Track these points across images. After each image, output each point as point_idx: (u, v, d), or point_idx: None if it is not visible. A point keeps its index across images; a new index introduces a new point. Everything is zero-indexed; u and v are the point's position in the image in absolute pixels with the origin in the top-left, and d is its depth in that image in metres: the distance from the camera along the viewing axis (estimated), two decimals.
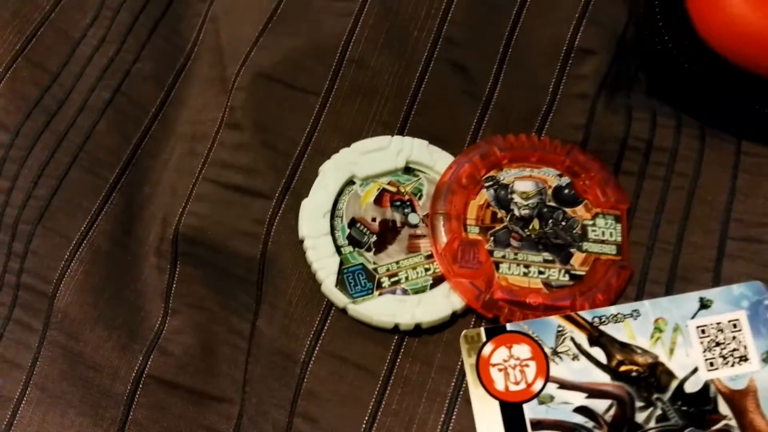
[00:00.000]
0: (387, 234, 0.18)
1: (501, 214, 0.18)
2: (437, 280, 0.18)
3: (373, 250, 0.18)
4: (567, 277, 0.18)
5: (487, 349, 0.17)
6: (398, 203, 0.19)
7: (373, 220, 0.18)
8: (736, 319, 0.16)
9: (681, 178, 0.19)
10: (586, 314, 0.17)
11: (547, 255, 0.18)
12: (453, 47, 0.20)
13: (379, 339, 0.17)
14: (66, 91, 0.21)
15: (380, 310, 0.17)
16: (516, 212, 0.18)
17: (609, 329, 0.16)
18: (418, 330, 0.17)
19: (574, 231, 0.18)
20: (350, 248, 0.18)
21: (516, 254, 0.18)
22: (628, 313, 0.17)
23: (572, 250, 0.18)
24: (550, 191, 0.18)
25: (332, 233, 0.18)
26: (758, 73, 0.17)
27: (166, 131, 0.21)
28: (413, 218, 0.18)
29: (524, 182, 0.18)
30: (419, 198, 0.19)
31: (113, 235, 0.20)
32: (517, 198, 0.18)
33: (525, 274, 0.18)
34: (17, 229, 0.20)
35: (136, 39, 0.22)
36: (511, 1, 0.20)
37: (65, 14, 0.22)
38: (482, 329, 0.17)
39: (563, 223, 0.18)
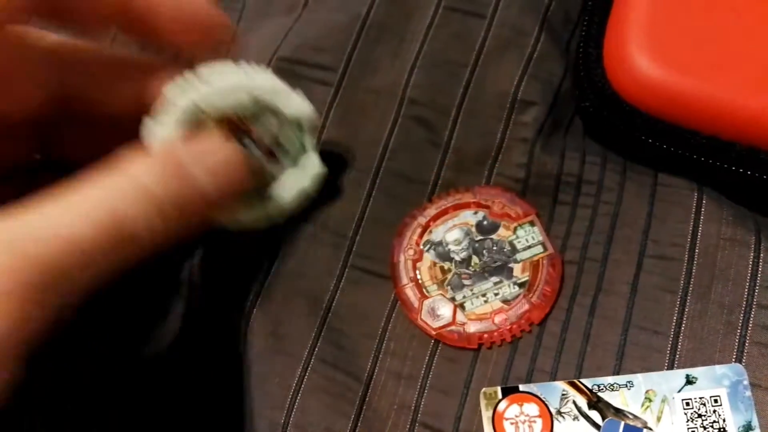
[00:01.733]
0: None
1: (446, 265, 0.22)
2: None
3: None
4: (516, 288, 0.21)
5: (502, 405, 0.20)
6: (240, 134, 0.20)
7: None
8: (718, 395, 0.19)
9: (606, 206, 0.22)
10: (587, 381, 0.20)
11: (494, 278, 0.21)
12: (416, 106, 0.24)
13: None
14: None
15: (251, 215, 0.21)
16: (457, 258, 0.22)
17: (606, 396, 0.20)
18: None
19: (505, 249, 0.22)
20: None
21: (472, 290, 0.21)
22: (623, 383, 0.20)
23: (511, 264, 0.22)
24: (474, 229, 0.22)
25: None
26: (663, 120, 0.21)
27: None
28: (254, 150, 0.21)
29: (452, 232, 0.22)
30: (258, 128, 0.20)
31: None
32: (452, 247, 0.22)
33: (485, 302, 0.21)
34: None
35: None
36: (463, 65, 0.24)
37: None
38: (499, 388, 0.20)
39: (494, 248, 0.22)
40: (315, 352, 0.21)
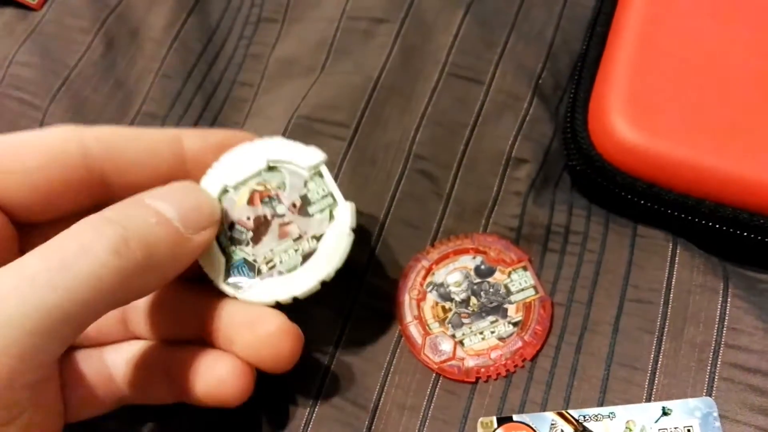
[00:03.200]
0: (260, 228, 0.22)
1: (447, 305, 0.24)
2: (306, 257, 0.21)
3: (251, 244, 0.22)
4: (511, 327, 0.24)
5: None
6: (267, 200, 0.22)
7: (248, 218, 0.22)
8: (690, 426, 0.21)
9: (591, 254, 0.25)
10: (574, 412, 0.22)
11: (491, 318, 0.24)
12: (421, 160, 0.27)
13: None
14: None
15: (260, 292, 0.21)
16: (457, 298, 0.24)
17: (591, 425, 0.22)
18: (297, 302, 0.21)
19: (501, 292, 0.24)
20: (233, 247, 0.22)
21: (470, 328, 0.24)
22: (606, 414, 0.22)
23: (506, 305, 0.24)
24: (472, 272, 0.25)
25: (217, 238, 0.22)
26: (640, 179, 0.24)
27: None
28: (280, 209, 0.22)
29: (452, 275, 0.25)
30: (284, 190, 0.22)
31: None
32: (453, 288, 0.24)
33: (483, 339, 0.24)
34: None
35: None
36: (464, 125, 0.27)
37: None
38: (494, 418, 0.22)
39: (491, 290, 0.24)
40: (326, 383, 0.24)
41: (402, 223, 0.26)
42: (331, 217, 0.22)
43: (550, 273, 0.25)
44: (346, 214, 0.22)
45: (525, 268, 0.24)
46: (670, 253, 0.24)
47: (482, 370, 0.23)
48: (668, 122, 0.24)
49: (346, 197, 0.27)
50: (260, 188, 0.22)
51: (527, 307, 0.24)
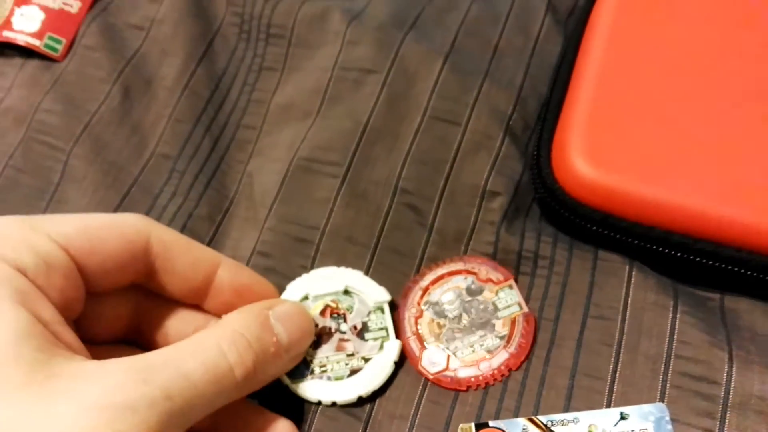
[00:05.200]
0: (324, 337, 0.26)
1: (442, 321, 0.27)
2: (353, 372, 0.26)
3: (312, 347, 0.26)
4: (498, 340, 0.26)
5: None
6: (335, 316, 0.27)
7: (316, 326, 0.26)
8: (646, 429, 0.24)
9: (557, 276, 0.28)
10: (543, 418, 0.24)
11: (480, 332, 0.27)
12: (407, 194, 0.30)
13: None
14: None
15: (309, 390, 0.25)
16: (450, 315, 0.27)
17: (558, 429, 0.24)
18: (334, 405, 0.26)
19: (489, 309, 0.27)
20: None
21: (462, 342, 0.26)
22: (571, 419, 0.24)
23: (494, 321, 0.27)
24: (464, 291, 0.27)
25: None
26: (598, 210, 0.27)
27: None
28: (344, 327, 0.27)
29: (446, 294, 0.28)
30: (350, 312, 0.27)
31: None
32: (446, 306, 0.27)
33: (473, 351, 0.26)
34: None
35: (196, 192, 0.32)
36: (444, 161, 0.31)
37: (147, 177, 0.33)
38: (473, 425, 0.25)
39: (480, 307, 0.27)
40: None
41: (391, 251, 0.29)
42: (381, 347, 0.26)
43: (522, 294, 0.28)
44: (393, 349, 0.26)
45: (511, 287, 0.27)
46: (626, 275, 0.27)
47: (472, 379, 0.26)
48: (621, 160, 0.27)
49: (341, 229, 0.30)
50: (333, 305, 0.27)
51: (512, 322, 0.27)
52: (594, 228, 0.27)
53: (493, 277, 0.28)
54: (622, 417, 0.24)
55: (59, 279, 0.20)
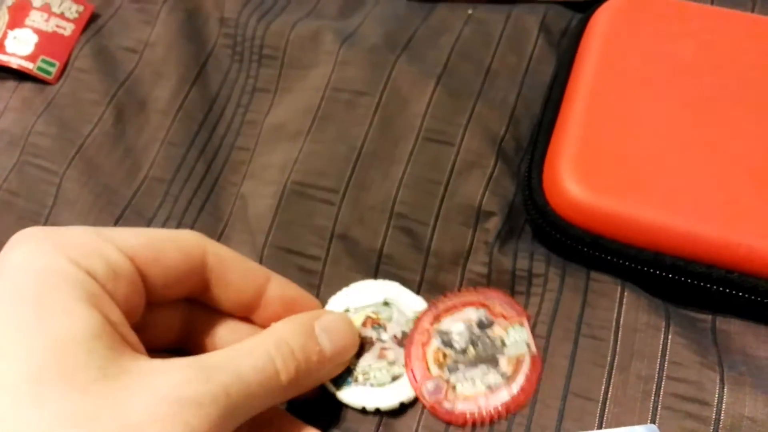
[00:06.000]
0: (366, 346, 0.27)
1: (448, 351, 0.27)
2: (394, 379, 0.27)
3: (356, 356, 0.27)
4: (500, 378, 0.26)
5: None
6: (376, 326, 0.28)
7: (359, 336, 0.27)
8: None
9: (550, 294, 0.28)
10: None
11: (484, 368, 0.26)
12: (402, 218, 0.30)
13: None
14: None
15: (353, 396, 0.26)
16: (457, 347, 0.27)
17: None
18: (378, 412, 0.26)
19: (497, 344, 0.27)
20: None
21: (464, 374, 0.26)
22: None
23: (499, 357, 0.27)
24: (474, 324, 0.27)
25: None
26: (589, 231, 0.27)
27: None
28: (384, 336, 0.28)
29: (457, 325, 0.28)
30: (390, 322, 0.28)
31: None
32: (455, 337, 0.27)
33: (473, 385, 0.26)
34: None
35: (190, 216, 0.32)
36: (438, 182, 0.31)
37: (141, 200, 0.33)
38: None
39: (488, 342, 0.27)
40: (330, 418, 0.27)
41: (390, 276, 0.29)
42: None
43: None
44: None
45: (521, 324, 0.27)
46: (618, 296, 0.27)
47: (468, 415, 0.26)
48: (611, 182, 0.27)
49: (341, 258, 0.30)
50: (373, 316, 0.28)
51: (518, 362, 0.26)
52: (585, 249, 0.27)
53: (506, 312, 0.28)
54: None
55: (125, 286, 0.21)
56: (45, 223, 0.33)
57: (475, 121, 0.32)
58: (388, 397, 0.26)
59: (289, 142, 0.33)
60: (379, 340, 0.27)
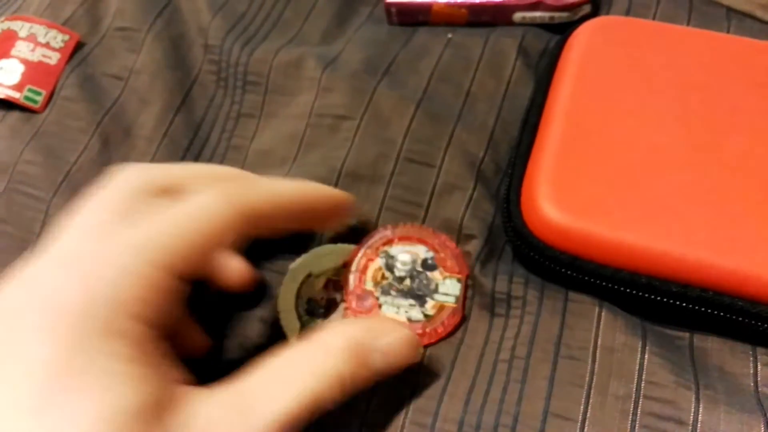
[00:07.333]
0: (331, 307, 0.29)
1: (387, 274, 0.29)
2: None
3: (321, 318, 0.29)
4: (421, 316, 0.28)
5: None
6: (339, 288, 0.29)
7: (322, 299, 0.29)
8: None
9: (530, 316, 0.28)
10: None
11: (411, 301, 0.28)
12: None
13: None
14: None
15: None
16: (396, 274, 0.29)
17: None
18: None
19: (431, 287, 0.29)
20: (307, 317, 0.29)
21: (393, 300, 0.28)
22: None
23: (428, 299, 0.28)
24: (419, 261, 0.29)
25: (296, 308, 0.29)
26: (566, 252, 0.28)
27: None
28: None
29: (404, 255, 0.30)
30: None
31: None
32: (398, 265, 0.29)
33: (396, 313, 0.28)
34: None
35: None
36: (419, 204, 0.31)
37: None
38: None
39: (424, 282, 0.29)
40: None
41: None
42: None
43: (497, 334, 0.28)
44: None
45: (459, 281, 0.29)
46: (596, 316, 0.27)
47: None
48: (587, 205, 0.28)
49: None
50: (335, 279, 0.29)
51: (441, 308, 0.28)
52: (563, 270, 0.28)
53: (450, 263, 0.29)
54: None
55: (168, 306, 0.21)
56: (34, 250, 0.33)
57: (454, 144, 0.33)
58: None
59: (275, 168, 0.34)
60: (343, 301, 0.29)
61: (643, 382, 0.26)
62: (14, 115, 0.37)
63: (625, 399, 0.26)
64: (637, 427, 0.25)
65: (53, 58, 0.38)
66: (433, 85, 0.35)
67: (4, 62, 0.38)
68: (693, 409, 0.25)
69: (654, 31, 0.34)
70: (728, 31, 0.37)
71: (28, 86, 0.37)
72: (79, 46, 0.39)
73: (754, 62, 0.32)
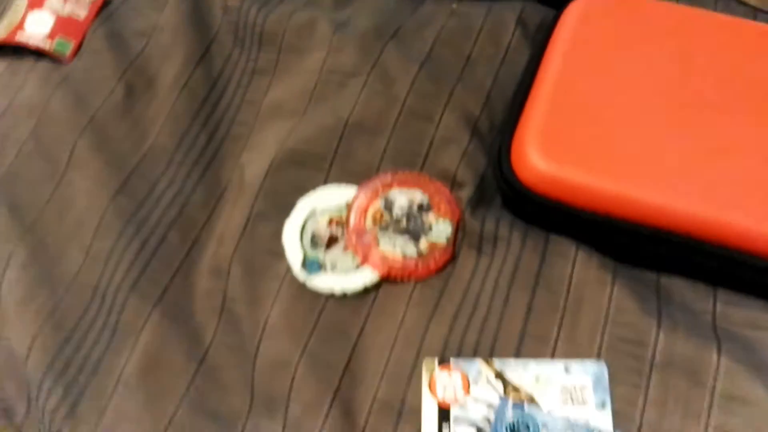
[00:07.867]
0: (332, 241, 0.32)
1: (386, 215, 0.32)
2: (358, 266, 0.31)
3: (323, 250, 0.32)
4: (415, 252, 0.31)
5: (437, 372, 0.28)
6: (340, 225, 0.32)
7: (325, 234, 0.32)
8: (585, 382, 0.27)
9: (513, 254, 0.31)
10: (497, 362, 0.28)
11: (407, 238, 0.31)
12: None
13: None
14: (148, 212, 0.35)
15: (323, 283, 0.30)
16: (394, 215, 0.32)
17: (508, 375, 0.28)
18: (344, 296, 0.30)
19: (425, 227, 0.32)
20: (310, 249, 0.32)
21: (390, 237, 0.31)
22: (521, 367, 0.28)
23: (422, 238, 0.31)
24: (416, 204, 0.32)
25: (301, 240, 0.32)
26: (549, 198, 0.30)
27: (210, 236, 0.34)
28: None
29: (401, 198, 0.33)
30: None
31: None
32: (396, 207, 0.32)
33: (393, 248, 0.31)
34: None
35: (192, 180, 0.35)
36: (418, 154, 0.34)
37: (146, 166, 0.36)
38: (436, 359, 0.28)
39: (419, 222, 0.32)
40: None
41: None
42: None
43: (482, 269, 0.31)
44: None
45: (451, 221, 0.32)
46: (573, 255, 0.30)
47: (380, 261, 0.31)
48: (570, 154, 0.30)
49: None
50: (337, 217, 0.33)
51: (433, 246, 0.31)
52: (546, 214, 0.31)
53: (443, 207, 0.32)
54: (566, 370, 0.28)
55: None
56: (60, 184, 0.36)
57: (453, 102, 0.35)
58: (353, 282, 0.31)
59: (286, 120, 0.37)
60: (344, 236, 0.32)
61: (611, 311, 0.29)
62: (44, 64, 0.40)
63: (595, 324, 0.28)
64: (604, 347, 0.28)
65: (82, 14, 0.41)
66: (437, 50, 0.38)
67: (38, 13, 0.40)
68: (654, 333, 0.28)
69: (643, 6, 0.36)
70: (715, 8, 0.40)
71: (58, 38, 0.40)
72: (106, 4, 0.42)
73: (733, 34, 0.35)
